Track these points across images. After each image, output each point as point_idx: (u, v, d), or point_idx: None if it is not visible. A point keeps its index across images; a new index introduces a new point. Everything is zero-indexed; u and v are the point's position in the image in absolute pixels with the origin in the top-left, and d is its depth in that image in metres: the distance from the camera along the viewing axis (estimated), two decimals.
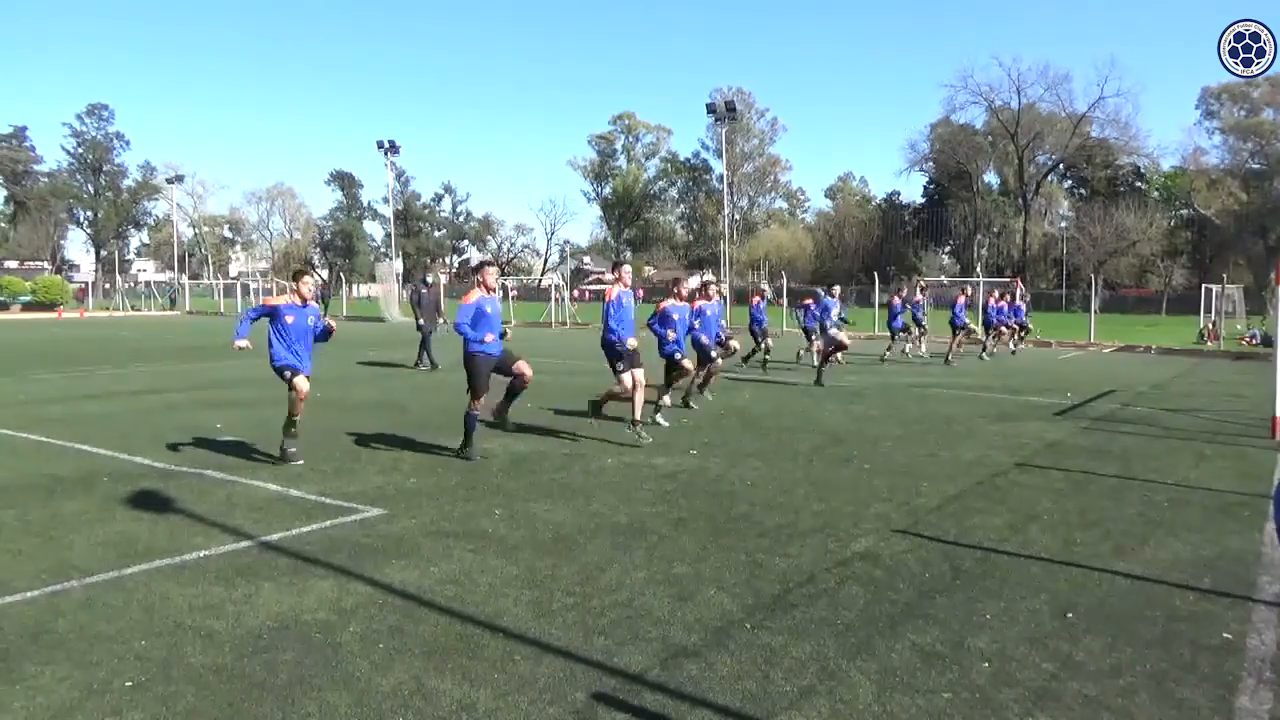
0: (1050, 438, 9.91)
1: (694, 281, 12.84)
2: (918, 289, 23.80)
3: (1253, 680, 3.75)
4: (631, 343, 9.24)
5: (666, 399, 10.95)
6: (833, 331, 15.41)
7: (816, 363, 16.51)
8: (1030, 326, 24.29)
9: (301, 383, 7.91)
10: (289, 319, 7.92)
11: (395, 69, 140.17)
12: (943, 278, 48.98)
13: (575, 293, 50.13)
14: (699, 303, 11.97)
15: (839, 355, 16.30)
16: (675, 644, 4.07)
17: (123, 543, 5.51)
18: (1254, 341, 27.23)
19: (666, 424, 10.20)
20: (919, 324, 21.53)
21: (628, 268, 10.01)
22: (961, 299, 20.90)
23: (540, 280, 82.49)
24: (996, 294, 22.28)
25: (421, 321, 17.25)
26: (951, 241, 78.70)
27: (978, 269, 48.42)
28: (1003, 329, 21.62)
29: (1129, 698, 3.58)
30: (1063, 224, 73.07)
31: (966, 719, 3.40)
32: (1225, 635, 4.24)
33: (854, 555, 5.45)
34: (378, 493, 6.89)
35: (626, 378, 9.19)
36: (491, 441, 9.11)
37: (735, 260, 54.05)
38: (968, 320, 20.51)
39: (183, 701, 3.46)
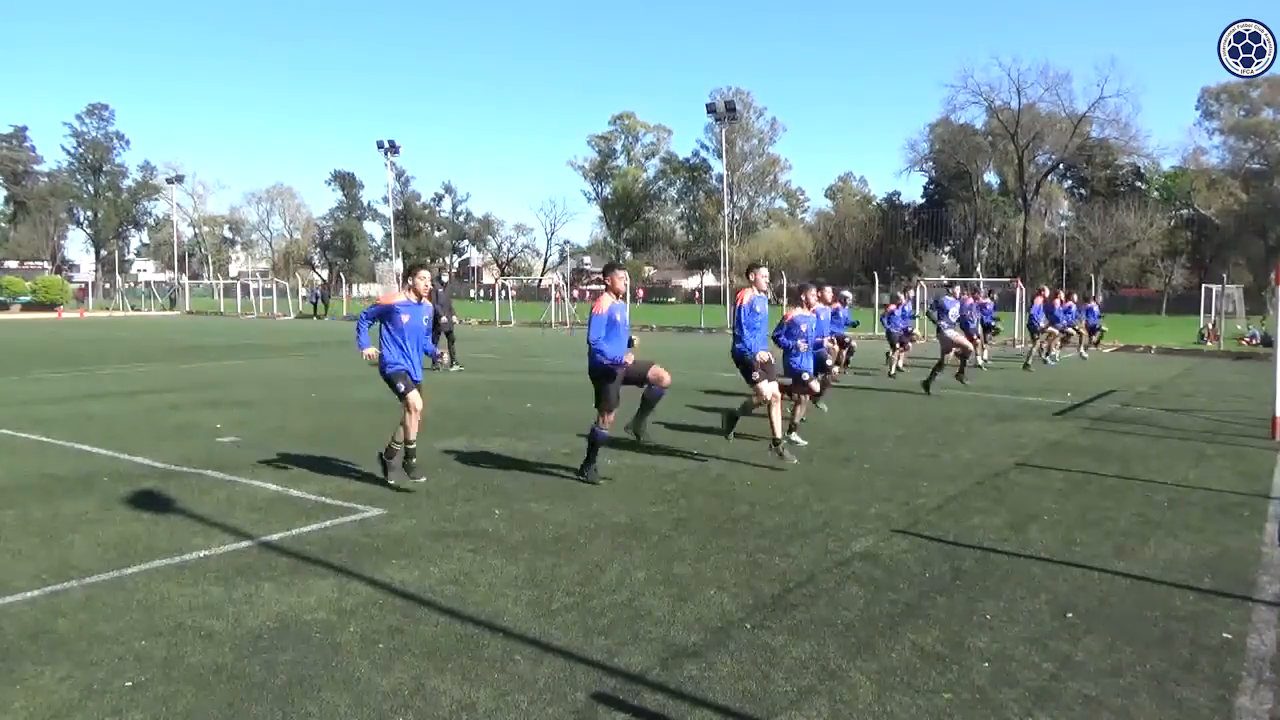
0: (1050, 438, 9.91)
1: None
2: (989, 294, 22.68)
3: (1253, 680, 3.75)
4: (763, 355, 8.45)
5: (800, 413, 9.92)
6: (949, 333, 14.22)
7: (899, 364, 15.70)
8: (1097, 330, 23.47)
9: (416, 399, 7.01)
10: (405, 318, 7.12)
11: (395, 69, 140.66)
12: (943, 277, 48.94)
13: (575, 293, 50.10)
14: (815, 307, 10.44)
15: (949, 356, 14.56)
16: (675, 644, 4.07)
17: (123, 543, 5.51)
18: (1254, 342, 27.21)
19: (804, 442, 9.29)
20: (991, 328, 21.05)
21: (764, 270, 8.76)
22: (1039, 300, 20.41)
23: (540, 280, 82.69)
24: (1062, 294, 21.61)
25: (443, 319, 17.46)
26: (951, 241, 78.66)
27: (978, 269, 48.40)
28: (1069, 331, 21.00)
29: (1129, 698, 3.58)
30: (1063, 224, 72.96)
31: (966, 719, 3.41)
32: (1225, 635, 4.24)
33: (854, 555, 5.45)
34: (378, 493, 6.89)
35: (764, 387, 8.35)
36: (492, 441, 9.12)
37: (735, 260, 53.93)
38: (1043, 323, 19.96)
39: (183, 701, 3.46)
